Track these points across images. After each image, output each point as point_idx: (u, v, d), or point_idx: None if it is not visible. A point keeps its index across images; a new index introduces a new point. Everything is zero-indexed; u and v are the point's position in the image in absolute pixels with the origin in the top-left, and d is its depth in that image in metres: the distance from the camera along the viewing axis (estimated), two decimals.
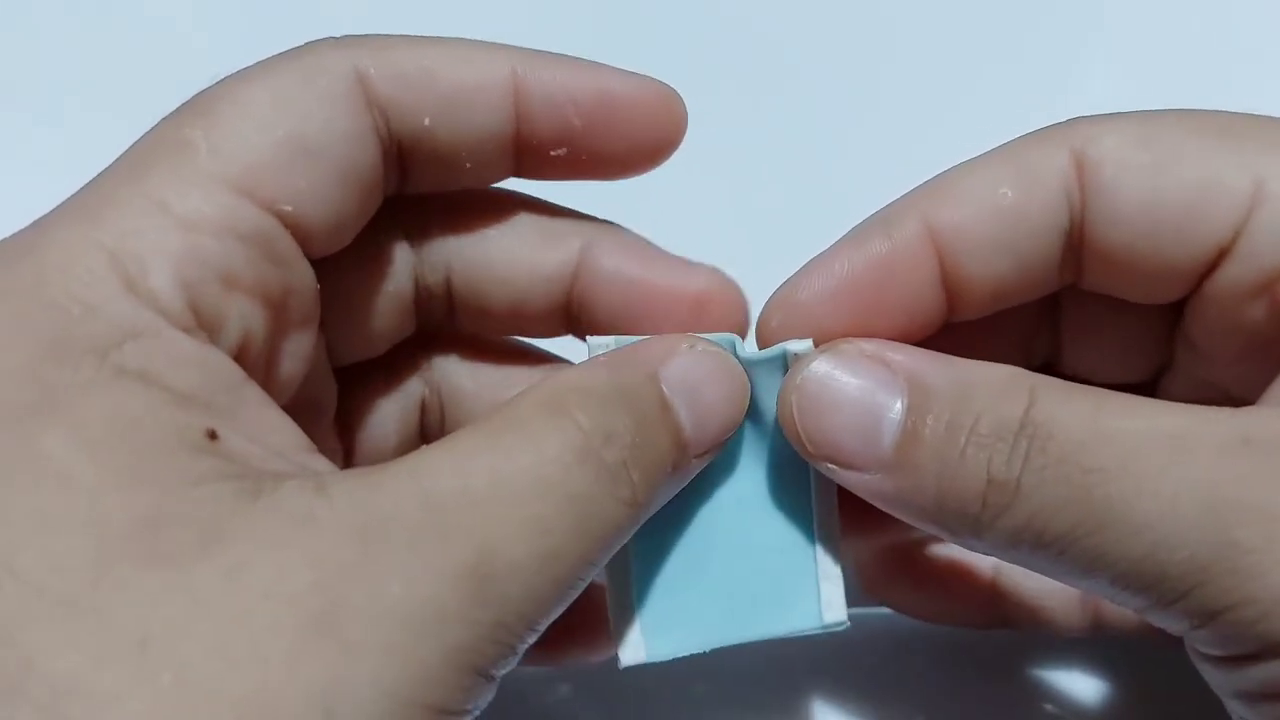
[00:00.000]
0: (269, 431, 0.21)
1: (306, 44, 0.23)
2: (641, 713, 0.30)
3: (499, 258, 0.26)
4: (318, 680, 0.18)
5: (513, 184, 0.26)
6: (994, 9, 0.44)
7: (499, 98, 0.24)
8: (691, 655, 0.24)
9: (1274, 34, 0.43)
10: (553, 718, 0.30)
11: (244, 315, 0.21)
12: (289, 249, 0.22)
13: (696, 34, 0.44)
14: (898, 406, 0.22)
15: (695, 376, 0.23)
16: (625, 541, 0.22)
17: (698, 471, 0.24)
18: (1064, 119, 0.24)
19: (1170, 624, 0.21)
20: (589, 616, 0.26)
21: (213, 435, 0.20)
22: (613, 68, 0.25)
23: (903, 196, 0.25)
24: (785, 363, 0.24)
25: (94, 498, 0.18)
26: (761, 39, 0.44)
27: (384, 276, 0.26)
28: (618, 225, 0.26)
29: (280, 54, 0.23)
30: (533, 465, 0.20)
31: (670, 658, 0.24)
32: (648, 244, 0.26)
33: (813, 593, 0.25)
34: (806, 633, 0.25)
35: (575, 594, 0.21)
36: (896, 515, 0.22)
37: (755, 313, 0.25)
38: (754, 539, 0.25)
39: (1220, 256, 0.23)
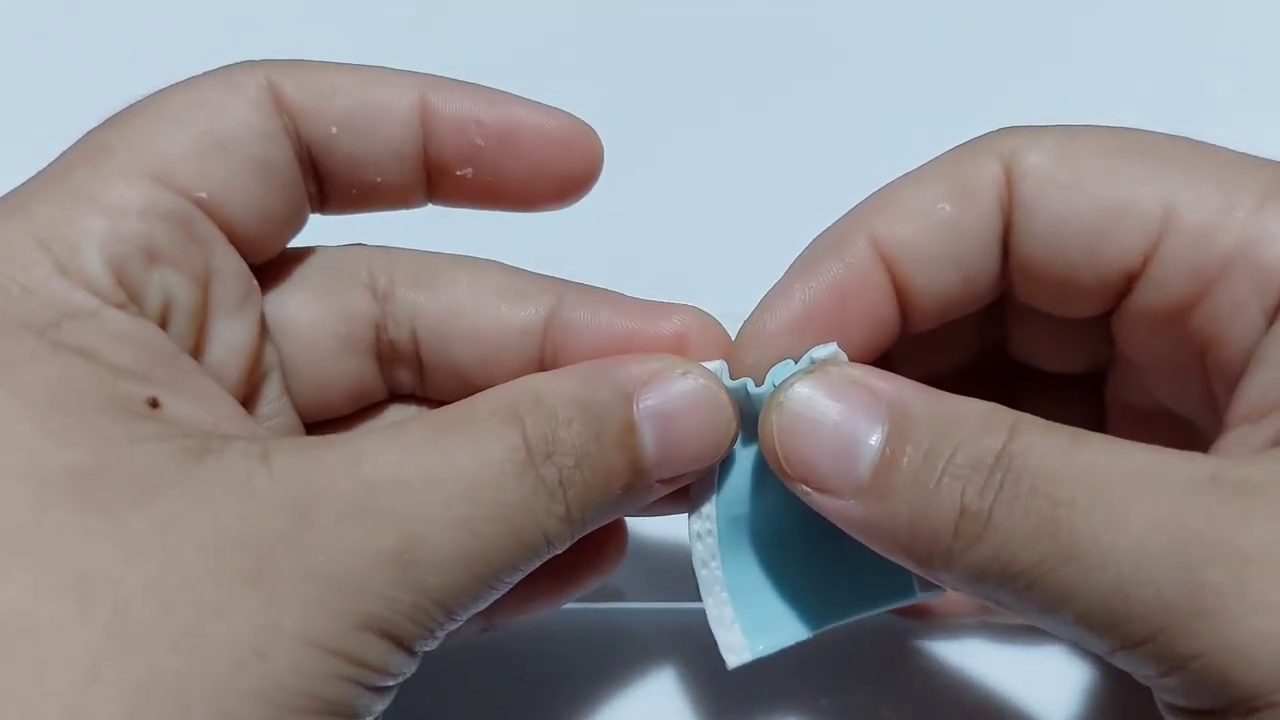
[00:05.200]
0: (210, 400, 0.22)
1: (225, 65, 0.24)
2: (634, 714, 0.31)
3: (466, 310, 0.25)
4: (249, 624, 0.19)
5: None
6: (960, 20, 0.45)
7: (404, 114, 0.24)
8: (795, 644, 0.25)
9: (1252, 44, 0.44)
10: None
11: (164, 284, 0.22)
12: (208, 230, 0.23)
13: (670, 47, 0.44)
14: (877, 434, 0.22)
15: (675, 404, 0.23)
16: (564, 548, 0.22)
17: (662, 495, 0.24)
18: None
19: (1137, 668, 0.21)
20: (600, 538, 0.27)
21: (154, 404, 0.21)
22: (526, 99, 0.25)
23: (847, 214, 0.25)
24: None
25: (33, 450, 0.19)
26: (732, 54, 0.44)
27: (342, 323, 0.26)
28: (588, 284, 0.26)
29: (200, 74, 0.24)
30: (471, 468, 0.21)
31: (774, 651, 0.25)
32: (621, 295, 0.26)
33: (904, 567, 0.25)
34: (903, 605, 0.25)
35: (500, 592, 0.22)
36: (868, 543, 0.23)
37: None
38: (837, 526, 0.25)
39: (1131, 280, 0.23)
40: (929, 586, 0.25)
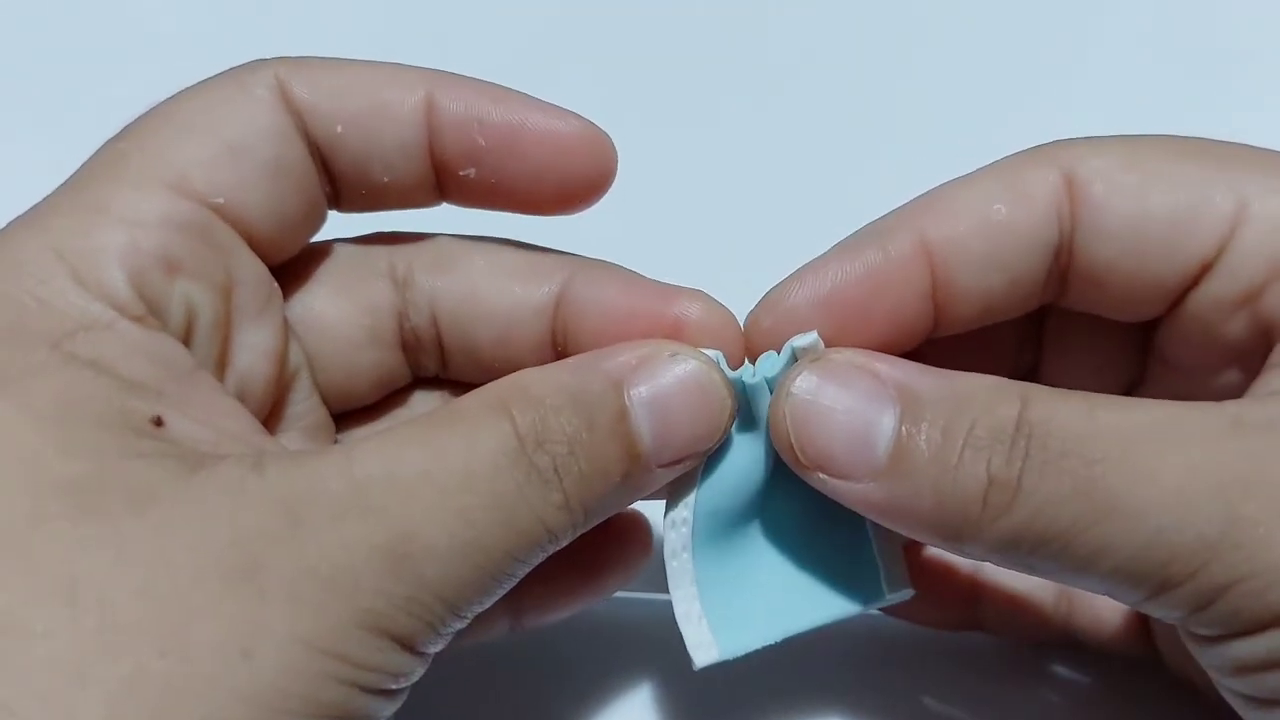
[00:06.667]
0: (220, 417, 0.22)
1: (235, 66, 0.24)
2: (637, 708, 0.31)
3: (482, 291, 0.26)
4: (236, 623, 0.19)
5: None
6: (989, 28, 0.45)
7: (409, 112, 0.24)
8: (764, 647, 0.25)
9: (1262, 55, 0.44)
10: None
11: (187, 295, 0.22)
12: (228, 237, 0.23)
13: (698, 42, 0.45)
14: (889, 416, 0.22)
15: (667, 388, 0.23)
16: (569, 539, 0.22)
17: (665, 481, 0.24)
18: (1052, 139, 0.25)
19: (1167, 612, 0.21)
20: (622, 535, 0.27)
21: (158, 422, 0.21)
22: (536, 100, 0.25)
23: (897, 209, 0.25)
24: (795, 357, 0.24)
25: (34, 461, 0.20)
26: (762, 50, 0.45)
27: (366, 315, 0.26)
28: (603, 261, 0.26)
29: (210, 76, 0.24)
30: (462, 460, 0.21)
31: (743, 653, 0.25)
32: (632, 273, 0.26)
33: (873, 570, 0.25)
34: (872, 609, 0.25)
35: (505, 585, 0.22)
36: (888, 524, 0.23)
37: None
38: (809, 526, 0.25)
39: (1203, 271, 0.23)
40: (897, 589, 0.25)
